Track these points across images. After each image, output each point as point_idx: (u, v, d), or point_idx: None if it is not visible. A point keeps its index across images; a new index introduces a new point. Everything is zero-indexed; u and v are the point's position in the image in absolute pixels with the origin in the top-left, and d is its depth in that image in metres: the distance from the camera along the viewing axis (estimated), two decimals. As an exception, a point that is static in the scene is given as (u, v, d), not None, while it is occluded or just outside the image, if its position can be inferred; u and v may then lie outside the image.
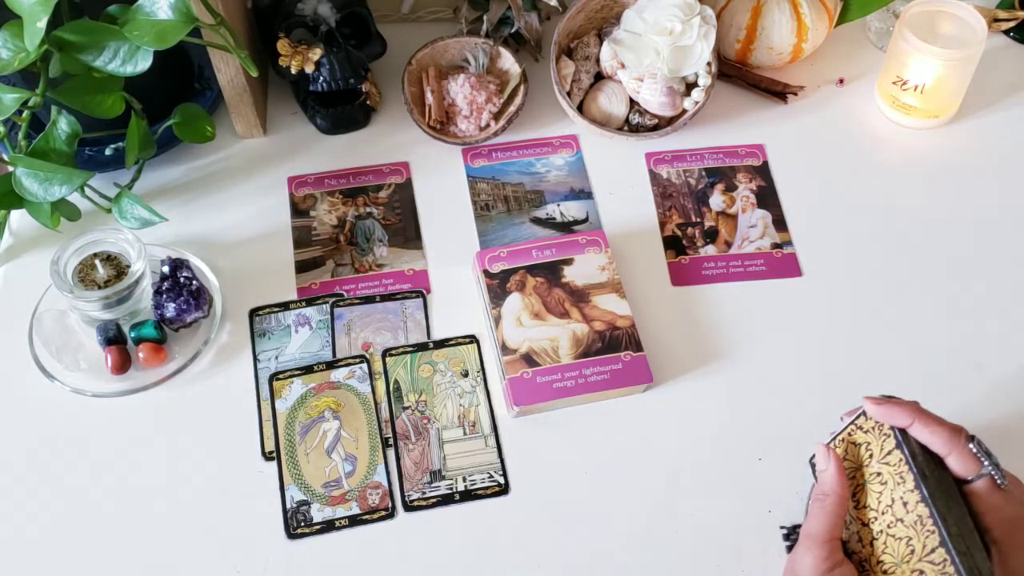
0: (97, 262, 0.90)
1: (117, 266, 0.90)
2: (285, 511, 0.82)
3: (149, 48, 0.82)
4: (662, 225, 0.99)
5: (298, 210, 1.00)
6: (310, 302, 0.94)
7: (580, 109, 1.04)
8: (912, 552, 0.64)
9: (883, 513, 0.66)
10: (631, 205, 1.00)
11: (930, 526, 0.62)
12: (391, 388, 0.88)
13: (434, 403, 0.87)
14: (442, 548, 0.81)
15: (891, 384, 0.79)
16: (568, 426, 0.86)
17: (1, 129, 0.89)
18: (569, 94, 1.03)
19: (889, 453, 0.67)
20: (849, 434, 0.72)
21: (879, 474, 0.67)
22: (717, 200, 1.01)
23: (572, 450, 0.85)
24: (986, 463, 0.64)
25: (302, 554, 0.80)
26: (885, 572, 0.66)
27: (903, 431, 0.67)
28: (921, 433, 0.66)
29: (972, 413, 0.84)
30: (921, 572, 0.63)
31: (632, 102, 1.03)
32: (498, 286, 0.91)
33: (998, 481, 0.64)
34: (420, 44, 1.06)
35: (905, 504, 0.64)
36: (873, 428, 0.69)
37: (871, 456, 0.68)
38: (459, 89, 1.03)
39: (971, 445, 0.65)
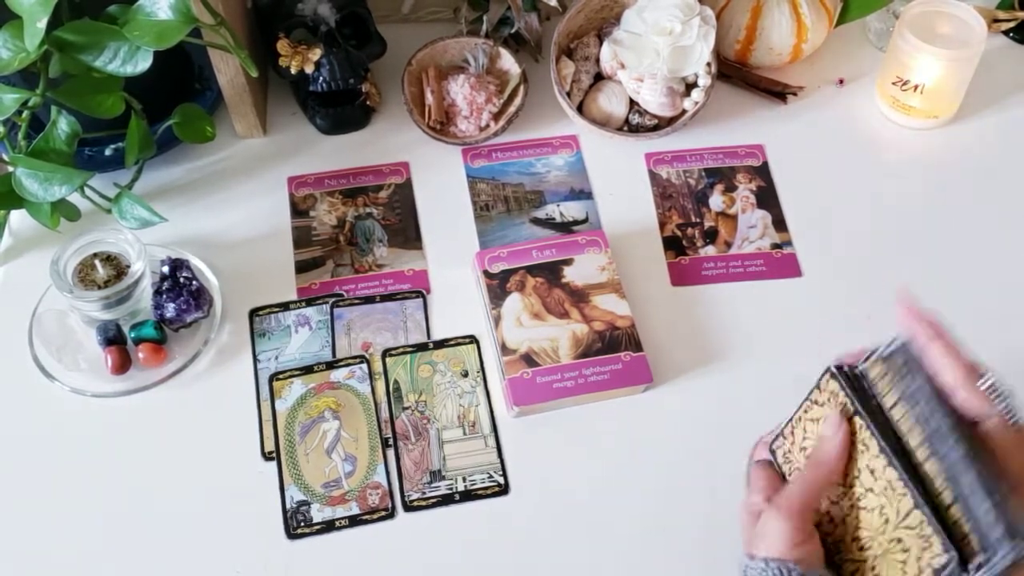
0: (97, 262, 0.90)
1: (117, 266, 0.90)
2: (285, 511, 0.82)
3: (149, 48, 0.82)
4: (662, 225, 0.99)
5: (298, 210, 1.00)
6: (310, 302, 0.93)
7: (580, 109, 1.04)
8: (887, 521, 0.60)
9: (851, 487, 0.63)
10: (631, 205, 1.00)
11: (901, 489, 0.58)
12: (391, 388, 0.88)
13: (434, 403, 0.87)
14: (442, 548, 0.81)
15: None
16: (568, 426, 0.86)
17: (1, 129, 0.89)
18: (569, 94, 1.03)
19: (848, 420, 0.64)
20: (805, 411, 0.69)
21: None
22: (717, 200, 1.01)
23: (572, 450, 0.85)
24: (999, 403, 0.59)
25: (302, 554, 0.80)
26: (862, 548, 0.62)
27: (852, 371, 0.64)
28: (938, 359, 0.60)
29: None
30: (899, 540, 0.59)
31: (632, 102, 1.03)
32: (498, 286, 0.91)
33: (1012, 420, 0.58)
34: (420, 44, 1.06)
35: (872, 472, 0.61)
36: (829, 400, 0.66)
37: None
38: (459, 89, 1.03)
39: (985, 382, 0.59)
